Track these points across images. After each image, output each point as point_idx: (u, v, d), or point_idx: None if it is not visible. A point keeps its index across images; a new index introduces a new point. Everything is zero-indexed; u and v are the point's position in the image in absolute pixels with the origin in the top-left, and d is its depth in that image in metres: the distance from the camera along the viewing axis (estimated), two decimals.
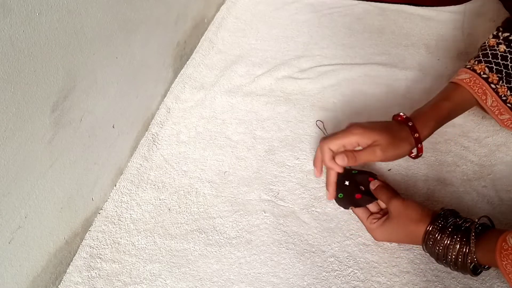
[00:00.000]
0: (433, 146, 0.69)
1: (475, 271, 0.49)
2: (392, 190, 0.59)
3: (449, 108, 0.60)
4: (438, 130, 0.71)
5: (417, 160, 0.67)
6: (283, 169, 0.68)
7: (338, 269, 0.56)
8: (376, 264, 0.56)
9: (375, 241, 0.58)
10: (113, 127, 0.65)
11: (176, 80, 0.85)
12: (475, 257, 0.47)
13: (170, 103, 0.80)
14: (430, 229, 0.51)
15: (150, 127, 0.76)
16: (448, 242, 0.49)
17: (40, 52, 0.46)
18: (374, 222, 0.56)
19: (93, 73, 0.57)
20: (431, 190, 0.63)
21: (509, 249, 0.44)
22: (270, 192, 0.65)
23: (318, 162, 0.62)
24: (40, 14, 0.45)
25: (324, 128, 0.66)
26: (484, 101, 0.60)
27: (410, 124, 0.57)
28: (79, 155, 0.57)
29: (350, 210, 0.61)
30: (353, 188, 0.60)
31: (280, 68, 0.85)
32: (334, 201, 0.62)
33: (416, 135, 0.57)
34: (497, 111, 0.61)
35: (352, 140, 0.56)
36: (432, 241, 0.51)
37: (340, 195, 0.60)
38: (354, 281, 0.54)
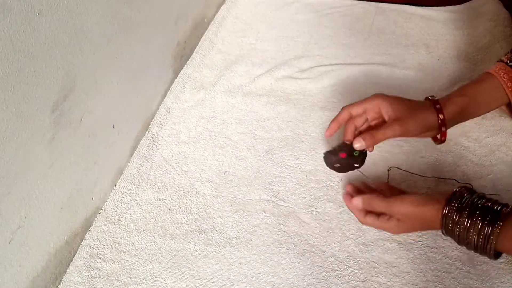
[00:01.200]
0: (433, 146, 0.69)
1: (497, 254, 0.47)
2: (381, 197, 0.56)
3: (475, 89, 0.60)
4: None
5: (417, 160, 0.67)
6: (283, 169, 0.68)
7: (338, 269, 0.56)
8: (376, 264, 0.56)
9: (374, 241, 0.57)
10: (113, 127, 0.65)
11: (176, 80, 0.85)
12: (495, 242, 0.45)
13: (170, 103, 0.80)
14: (447, 211, 0.48)
15: (150, 127, 0.76)
16: (469, 223, 0.47)
17: (40, 52, 0.46)
18: (381, 218, 0.54)
19: (93, 73, 0.57)
20: (431, 190, 0.63)
21: None
22: (270, 192, 0.65)
23: (333, 122, 0.61)
24: (40, 14, 0.45)
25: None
26: (510, 89, 0.60)
27: (437, 106, 0.58)
28: (79, 155, 0.57)
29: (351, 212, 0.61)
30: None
31: (280, 68, 0.85)
32: (334, 201, 0.61)
33: (438, 105, 0.57)
34: None
35: (374, 103, 0.57)
36: (451, 223, 0.48)
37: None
38: (354, 281, 0.54)
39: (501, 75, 0.60)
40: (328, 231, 0.60)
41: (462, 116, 0.60)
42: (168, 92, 0.83)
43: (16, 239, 0.48)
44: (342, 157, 0.60)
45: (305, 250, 0.58)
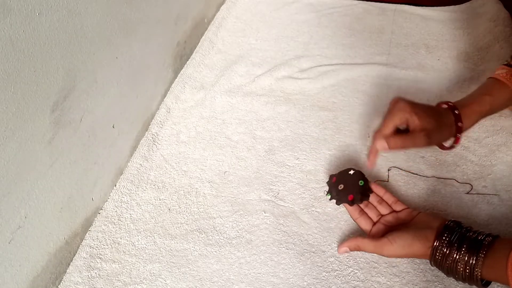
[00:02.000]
0: (433, 146, 0.69)
1: (486, 283, 0.48)
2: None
3: (490, 102, 0.60)
4: None
5: (417, 160, 0.67)
6: (283, 169, 0.68)
7: (338, 269, 0.56)
8: (376, 264, 0.56)
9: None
10: (113, 127, 0.65)
11: (176, 80, 0.85)
12: (480, 272, 0.46)
13: (170, 103, 0.80)
14: (437, 244, 0.49)
15: (150, 127, 0.76)
16: (458, 256, 0.47)
17: (40, 52, 0.46)
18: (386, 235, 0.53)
19: (93, 73, 0.57)
20: (431, 190, 0.63)
21: None
22: (270, 192, 0.65)
23: (371, 153, 0.59)
24: (40, 14, 0.45)
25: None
26: None
27: (456, 112, 0.58)
28: (79, 155, 0.57)
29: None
30: (345, 192, 0.59)
31: (280, 68, 0.85)
32: (334, 201, 0.61)
33: (460, 124, 0.57)
34: None
35: (402, 118, 0.56)
36: (440, 256, 0.49)
37: (328, 195, 0.61)
38: (354, 281, 0.54)
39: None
40: (328, 231, 0.60)
41: (476, 122, 0.61)
42: (168, 92, 0.83)
43: (16, 239, 0.48)
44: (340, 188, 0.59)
45: (305, 250, 0.58)
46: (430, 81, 0.81)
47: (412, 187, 0.64)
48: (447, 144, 0.62)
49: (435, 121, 0.56)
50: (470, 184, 0.63)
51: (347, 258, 0.56)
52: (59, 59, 0.49)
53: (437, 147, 0.64)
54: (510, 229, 0.57)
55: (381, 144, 0.56)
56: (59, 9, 0.48)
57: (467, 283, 0.49)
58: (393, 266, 0.55)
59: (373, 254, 0.56)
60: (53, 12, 0.47)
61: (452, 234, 0.49)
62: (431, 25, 0.95)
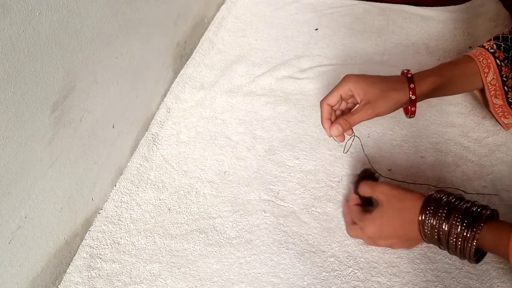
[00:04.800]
0: (433, 146, 0.69)
1: (479, 257, 0.47)
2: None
3: (452, 70, 0.60)
4: (438, 130, 0.71)
5: (417, 160, 0.67)
6: (283, 169, 0.68)
7: (338, 269, 0.56)
8: (376, 264, 0.56)
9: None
10: (113, 127, 0.65)
11: (176, 80, 0.85)
12: (475, 245, 0.45)
13: (170, 103, 0.80)
14: (423, 217, 0.48)
15: (150, 127, 0.76)
16: (447, 226, 0.46)
17: (40, 52, 0.46)
18: (362, 218, 0.54)
19: (93, 73, 0.57)
20: (431, 190, 0.63)
21: None
22: (270, 192, 0.65)
23: (325, 122, 0.60)
24: (40, 14, 0.45)
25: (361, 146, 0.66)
26: (486, 74, 0.60)
27: (409, 76, 0.58)
28: (79, 155, 0.57)
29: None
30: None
31: (280, 68, 0.85)
32: (334, 201, 0.61)
33: (412, 85, 0.57)
34: (493, 91, 0.61)
35: (346, 88, 0.58)
36: (429, 229, 0.47)
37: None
38: (354, 281, 0.54)
39: (481, 60, 0.61)
40: (328, 231, 0.60)
41: (433, 94, 0.60)
42: (168, 92, 0.83)
43: (16, 239, 0.48)
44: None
45: (305, 250, 0.58)
46: None
47: (412, 187, 0.64)
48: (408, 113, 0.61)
49: (380, 90, 0.56)
50: (463, 191, 0.62)
51: (347, 258, 0.56)
52: (59, 59, 0.49)
53: (438, 147, 0.64)
54: None
55: (336, 129, 0.58)
56: (59, 9, 0.48)
57: (458, 256, 0.47)
58: (393, 266, 0.55)
59: (373, 254, 0.56)
60: (53, 12, 0.47)
61: (438, 205, 0.47)
62: (431, 25, 0.95)
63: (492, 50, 0.61)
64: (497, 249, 0.44)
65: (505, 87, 0.61)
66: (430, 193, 0.50)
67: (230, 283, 0.55)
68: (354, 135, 0.62)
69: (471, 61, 0.61)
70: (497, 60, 0.60)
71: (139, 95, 0.72)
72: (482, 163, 0.66)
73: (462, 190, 0.62)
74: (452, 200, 0.48)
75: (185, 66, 0.89)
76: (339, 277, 0.55)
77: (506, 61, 0.60)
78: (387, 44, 0.91)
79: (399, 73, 0.59)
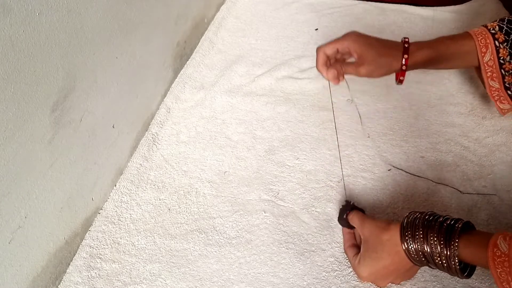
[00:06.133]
0: (433, 146, 0.69)
1: (468, 272, 0.46)
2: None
3: (448, 45, 0.61)
4: (438, 130, 0.71)
5: (417, 160, 0.67)
6: (283, 169, 0.68)
7: (338, 269, 0.56)
8: None
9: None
10: (113, 127, 0.65)
11: (176, 80, 0.85)
12: (457, 260, 0.44)
13: (170, 103, 0.80)
14: (406, 245, 0.46)
15: (150, 127, 0.76)
16: (428, 247, 0.45)
17: (40, 52, 0.46)
18: (354, 264, 0.53)
19: (93, 73, 0.57)
20: (431, 190, 0.63)
21: (502, 255, 0.39)
22: (270, 192, 0.65)
23: (321, 69, 0.62)
24: (40, 14, 0.45)
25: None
26: (483, 54, 0.60)
27: (406, 45, 0.60)
28: (79, 155, 0.57)
29: None
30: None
31: (280, 68, 0.85)
32: (334, 201, 0.61)
33: (405, 56, 0.59)
34: (489, 73, 0.61)
35: (344, 45, 0.60)
36: (414, 253, 0.46)
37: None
38: (354, 281, 0.54)
39: (479, 39, 0.61)
40: (328, 231, 0.60)
41: (426, 66, 0.62)
42: (168, 92, 0.83)
43: (16, 239, 0.48)
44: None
45: (305, 250, 0.58)
46: (430, 81, 0.81)
47: (412, 187, 0.64)
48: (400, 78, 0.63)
49: (375, 54, 0.59)
50: (459, 190, 0.62)
51: (347, 258, 0.56)
52: (59, 59, 0.49)
53: (438, 147, 0.64)
54: (510, 229, 0.57)
55: (331, 73, 0.60)
56: (59, 9, 0.48)
57: (449, 274, 0.46)
58: None
59: None
60: (53, 12, 0.47)
61: (413, 228, 0.46)
62: (431, 25, 0.95)
63: (493, 31, 0.60)
64: (478, 262, 0.43)
65: (502, 70, 0.60)
66: (403, 219, 0.49)
67: (230, 283, 0.55)
68: (391, 168, 0.64)
69: (470, 39, 0.61)
70: (496, 42, 0.60)
71: (139, 95, 0.72)
72: (482, 163, 0.66)
73: (460, 191, 0.62)
74: (426, 217, 0.47)
75: (185, 66, 0.89)
76: (339, 277, 0.55)
77: (505, 43, 0.60)
78: None
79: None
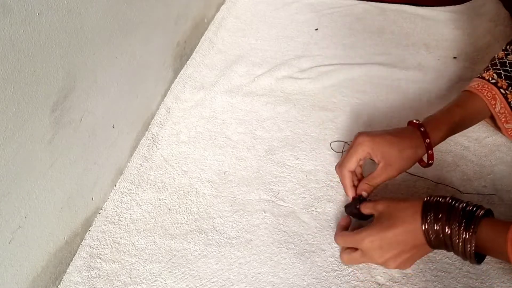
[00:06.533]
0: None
1: (480, 258, 0.47)
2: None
3: (461, 114, 0.60)
4: None
5: None
6: (283, 169, 0.68)
7: (338, 269, 0.56)
8: (376, 265, 0.56)
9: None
10: (113, 127, 0.65)
11: (176, 80, 0.85)
12: (474, 245, 0.45)
13: (170, 103, 0.80)
14: (426, 226, 0.47)
15: (150, 127, 0.76)
16: (449, 229, 0.46)
17: (40, 52, 0.46)
18: (356, 234, 0.52)
19: (93, 73, 0.57)
20: (431, 190, 0.63)
21: None
22: (270, 192, 0.65)
23: (348, 189, 0.59)
24: (40, 14, 0.45)
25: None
26: (493, 106, 0.61)
27: (422, 129, 0.57)
28: (79, 155, 0.57)
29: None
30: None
31: (280, 68, 0.85)
32: (334, 201, 0.61)
33: (427, 140, 0.57)
34: (503, 119, 0.62)
35: (365, 152, 0.57)
36: (434, 234, 0.47)
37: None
38: (354, 281, 0.54)
39: (485, 93, 0.61)
40: (328, 231, 0.60)
41: (446, 138, 0.60)
42: (168, 92, 0.83)
43: (16, 239, 0.48)
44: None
45: (305, 250, 0.58)
46: (430, 81, 0.81)
47: (412, 187, 0.64)
48: (424, 162, 0.60)
49: (397, 151, 0.56)
50: (459, 190, 0.62)
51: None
52: (59, 59, 0.49)
53: (438, 146, 0.64)
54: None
55: (362, 188, 0.58)
56: (59, 9, 0.48)
57: (462, 258, 0.47)
58: None
59: None
60: (53, 12, 0.47)
61: (436, 210, 0.47)
62: (431, 25, 0.95)
63: (493, 81, 0.61)
64: (496, 246, 0.44)
65: None
66: (425, 199, 0.49)
67: (230, 283, 0.55)
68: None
69: (476, 98, 0.61)
70: (501, 90, 0.60)
71: (139, 95, 0.72)
72: (482, 163, 0.66)
73: (460, 191, 0.62)
74: (449, 201, 0.48)
75: (185, 66, 0.89)
76: (339, 277, 0.55)
77: (510, 88, 0.60)
78: (387, 44, 0.91)
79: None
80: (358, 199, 0.58)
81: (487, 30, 0.87)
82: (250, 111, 0.78)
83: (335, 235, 0.57)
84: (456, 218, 0.46)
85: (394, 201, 0.52)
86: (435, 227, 0.47)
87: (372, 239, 0.50)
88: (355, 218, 0.58)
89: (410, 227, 0.48)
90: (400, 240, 0.49)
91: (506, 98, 0.60)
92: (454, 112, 0.60)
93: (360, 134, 0.58)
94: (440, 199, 0.48)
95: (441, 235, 0.47)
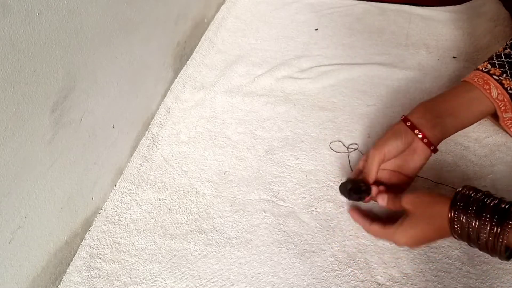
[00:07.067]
0: None
1: (510, 254, 0.46)
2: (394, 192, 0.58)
3: (450, 101, 0.60)
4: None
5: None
6: (283, 169, 0.68)
7: (338, 269, 0.56)
8: (376, 265, 0.56)
9: (374, 241, 0.57)
10: (113, 127, 0.65)
11: (176, 80, 0.85)
12: (506, 240, 0.44)
13: (170, 103, 0.80)
14: (453, 215, 0.47)
15: (150, 127, 0.76)
16: (478, 223, 0.45)
17: (40, 52, 0.46)
18: (387, 227, 0.54)
19: (93, 73, 0.57)
20: (431, 190, 0.63)
21: None
22: (270, 192, 0.65)
23: (370, 172, 0.60)
24: (40, 14, 0.45)
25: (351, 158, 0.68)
26: (488, 91, 0.59)
27: (419, 134, 0.58)
28: (79, 155, 0.57)
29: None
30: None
31: (280, 68, 0.85)
32: (334, 201, 0.61)
33: (426, 140, 0.58)
34: (503, 107, 0.60)
35: (379, 163, 0.59)
36: (459, 226, 0.47)
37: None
38: (353, 281, 0.54)
39: (475, 80, 0.60)
40: (328, 231, 0.60)
41: (448, 135, 0.60)
42: (168, 92, 0.83)
43: (16, 239, 0.48)
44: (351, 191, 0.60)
45: (305, 250, 0.58)
46: (430, 81, 0.81)
47: (412, 187, 0.64)
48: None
49: (404, 158, 0.59)
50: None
51: (347, 258, 0.56)
52: (59, 59, 0.49)
53: (438, 146, 0.64)
54: None
55: (382, 199, 0.58)
56: (59, 9, 0.48)
57: (489, 253, 0.47)
58: (393, 267, 0.55)
59: (372, 254, 0.56)
60: (53, 12, 0.47)
61: (467, 202, 0.47)
62: (431, 25, 0.95)
63: (486, 70, 0.60)
64: None
65: None
66: (457, 190, 0.49)
67: (230, 283, 0.55)
68: (350, 150, 0.64)
69: (466, 84, 0.60)
70: (494, 76, 0.59)
71: (139, 95, 0.72)
72: (482, 163, 0.66)
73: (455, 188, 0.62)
74: (481, 197, 0.47)
75: (185, 66, 0.89)
76: (339, 277, 0.55)
77: (505, 75, 0.59)
78: (387, 44, 0.91)
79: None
80: (357, 183, 0.59)
81: (487, 30, 0.87)
82: (250, 111, 0.78)
83: (365, 226, 0.58)
84: (487, 214, 0.45)
85: (422, 197, 0.52)
86: (462, 218, 0.47)
87: (407, 236, 0.52)
88: (345, 196, 0.60)
89: (438, 225, 0.49)
90: (430, 238, 0.52)
91: (502, 84, 0.59)
92: (452, 100, 0.60)
93: (368, 151, 0.60)
94: (472, 193, 0.48)
95: (466, 228, 0.46)
